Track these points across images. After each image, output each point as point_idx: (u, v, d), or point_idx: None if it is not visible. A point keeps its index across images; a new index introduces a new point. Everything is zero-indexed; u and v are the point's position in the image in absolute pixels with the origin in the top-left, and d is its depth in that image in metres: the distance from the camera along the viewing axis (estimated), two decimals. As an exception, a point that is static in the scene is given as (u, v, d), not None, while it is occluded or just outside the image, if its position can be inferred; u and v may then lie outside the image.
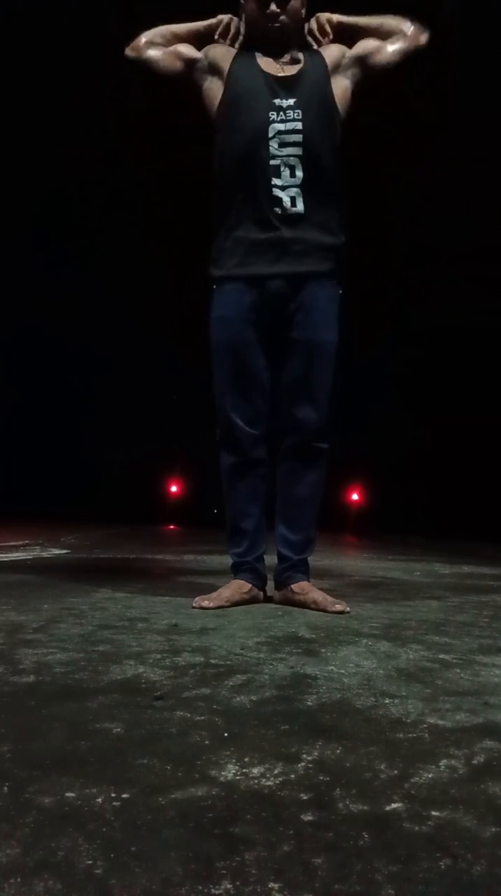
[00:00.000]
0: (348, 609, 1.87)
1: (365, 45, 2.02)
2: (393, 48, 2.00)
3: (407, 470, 8.54)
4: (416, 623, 1.76)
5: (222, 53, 2.00)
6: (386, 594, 2.39)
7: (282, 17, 1.94)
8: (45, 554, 3.69)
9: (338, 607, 1.88)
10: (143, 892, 0.55)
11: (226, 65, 1.97)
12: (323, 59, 1.99)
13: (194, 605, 1.90)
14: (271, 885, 0.56)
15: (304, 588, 1.98)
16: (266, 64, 1.97)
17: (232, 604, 1.93)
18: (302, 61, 1.98)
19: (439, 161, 6.18)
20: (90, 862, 0.58)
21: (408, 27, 2.01)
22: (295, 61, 1.98)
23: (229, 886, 0.55)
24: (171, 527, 8.07)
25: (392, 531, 7.06)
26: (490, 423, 7.40)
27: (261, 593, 2.06)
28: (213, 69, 2.00)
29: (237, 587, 1.99)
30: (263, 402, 2.00)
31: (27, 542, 4.34)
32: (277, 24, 1.95)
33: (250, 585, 2.01)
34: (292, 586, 1.98)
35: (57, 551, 3.87)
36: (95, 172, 7.04)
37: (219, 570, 3.02)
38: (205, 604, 1.89)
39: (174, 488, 9.79)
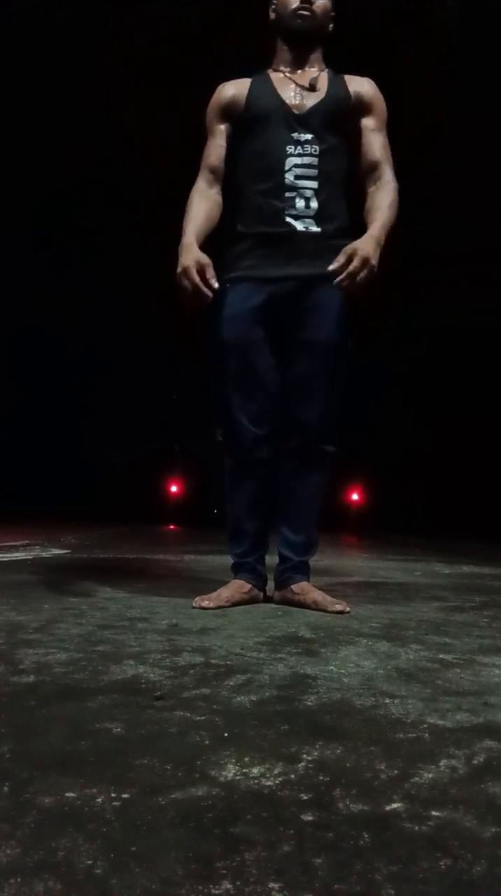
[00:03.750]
0: (348, 609, 1.88)
1: (366, 161, 1.97)
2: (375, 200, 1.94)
3: (407, 470, 8.54)
4: (416, 623, 1.76)
5: (231, 97, 1.99)
6: (386, 594, 2.39)
7: (315, 6, 1.95)
8: (45, 554, 3.69)
9: (338, 607, 1.88)
10: (143, 892, 0.54)
11: (240, 98, 1.98)
12: (347, 91, 1.98)
13: (194, 605, 1.89)
14: (271, 885, 0.56)
15: (304, 588, 1.97)
16: (284, 88, 1.97)
17: (232, 604, 1.93)
18: (324, 89, 1.97)
19: (439, 161, 6.18)
20: (90, 862, 0.58)
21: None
22: (313, 87, 1.96)
23: (229, 886, 0.55)
24: (171, 527, 8.07)
25: (392, 531, 7.06)
26: (489, 423, 7.40)
27: (261, 594, 2.06)
28: (230, 116, 2.00)
29: (237, 587, 1.99)
30: (269, 403, 1.97)
31: (27, 542, 4.34)
32: (307, 13, 1.95)
33: (250, 585, 2.01)
34: (292, 587, 1.98)
35: (57, 551, 3.87)
36: (95, 172, 7.05)
37: (219, 569, 3.02)
38: (206, 604, 1.89)
39: (174, 488, 9.80)
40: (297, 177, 1.91)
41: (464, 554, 4.59)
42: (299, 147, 1.91)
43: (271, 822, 0.66)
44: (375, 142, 1.98)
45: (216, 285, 1.82)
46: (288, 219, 1.90)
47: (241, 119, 1.99)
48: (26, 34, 5.58)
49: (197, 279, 1.79)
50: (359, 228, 1.94)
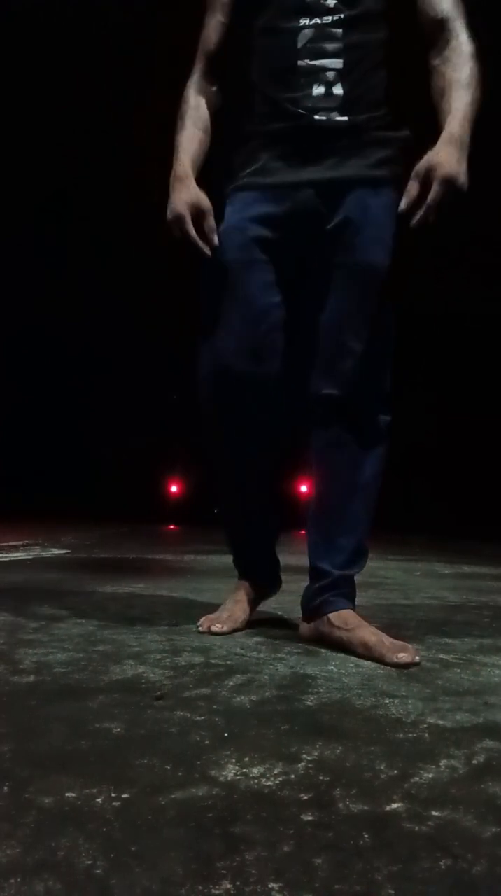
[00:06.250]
0: (417, 659, 1.27)
1: (427, 19, 1.44)
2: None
3: (408, 467, 8.54)
4: (416, 623, 1.76)
5: None
6: (386, 594, 2.39)
7: None
8: (45, 554, 3.69)
9: (404, 657, 1.26)
10: (143, 892, 0.55)
11: None
12: None
13: (201, 628, 1.53)
14: (271, 885, 0.56)
15: (348, 621, 1.38)
16: None
17: (246, 622, 1.58)
18: None
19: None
20: (90, 862, 0.58)
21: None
22: None
23: (229, 886, 0.55)
24: (171, 527, 8.07)
25: (392, 530, 7.06)
26: (492, 420, 7.40)
27: (278, 585, 1.68)
28: None
29: (246, 591, 1.62)
30: (267, 341, 1.42)
31: (27, 542, 4.34)
32: None
33: (260, 583, 1.64)
34: (330, 616, 1.41)
35: (57, 551, 3.87)
36: (95, 172, 7.06)
37: (220, 569, 3.02)
38: (218, 628, 1.52)
39: (174, 488, 9.80)
40: (315, 55, 1.39)
41: (464, 554, 4.59)
42: (315, 17, 1.40)
43: (271, 822, 0.66)
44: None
45: (217, 242, 1.41)
46: (301, 110, 1.40)
47: None
48: (26, 34, 5.58)
49: (192, 232, 1.40)
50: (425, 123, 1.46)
